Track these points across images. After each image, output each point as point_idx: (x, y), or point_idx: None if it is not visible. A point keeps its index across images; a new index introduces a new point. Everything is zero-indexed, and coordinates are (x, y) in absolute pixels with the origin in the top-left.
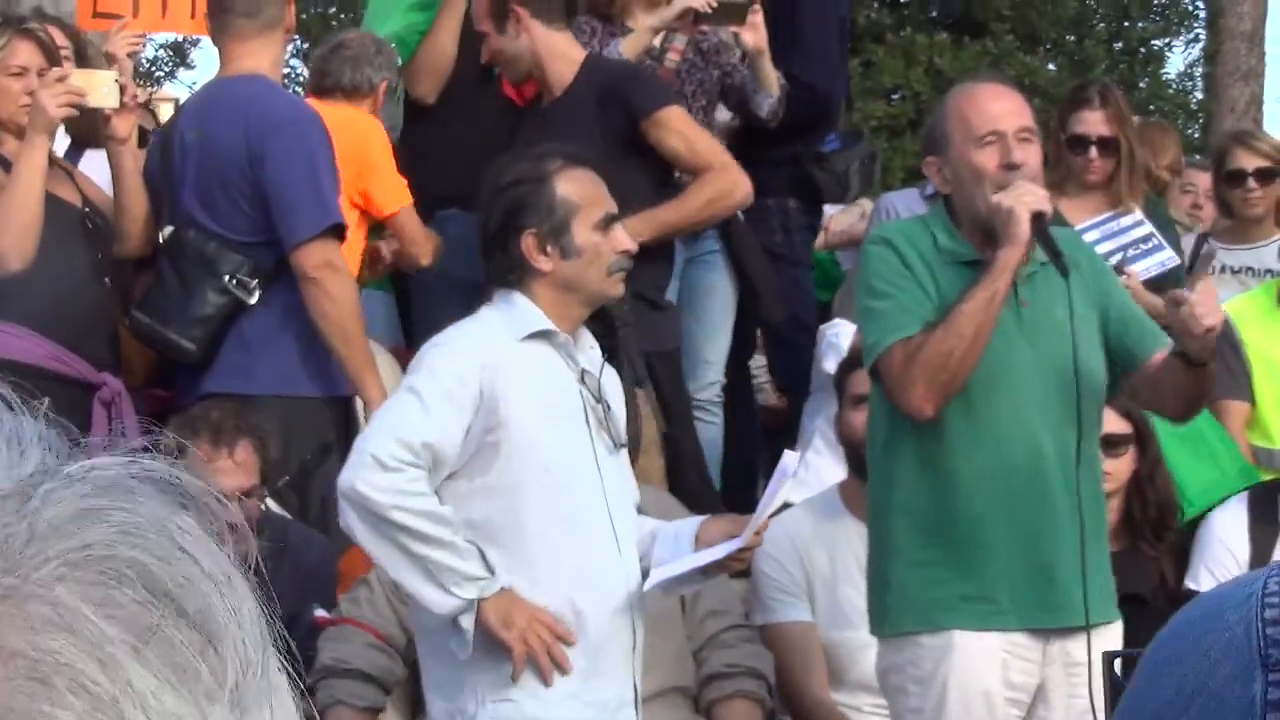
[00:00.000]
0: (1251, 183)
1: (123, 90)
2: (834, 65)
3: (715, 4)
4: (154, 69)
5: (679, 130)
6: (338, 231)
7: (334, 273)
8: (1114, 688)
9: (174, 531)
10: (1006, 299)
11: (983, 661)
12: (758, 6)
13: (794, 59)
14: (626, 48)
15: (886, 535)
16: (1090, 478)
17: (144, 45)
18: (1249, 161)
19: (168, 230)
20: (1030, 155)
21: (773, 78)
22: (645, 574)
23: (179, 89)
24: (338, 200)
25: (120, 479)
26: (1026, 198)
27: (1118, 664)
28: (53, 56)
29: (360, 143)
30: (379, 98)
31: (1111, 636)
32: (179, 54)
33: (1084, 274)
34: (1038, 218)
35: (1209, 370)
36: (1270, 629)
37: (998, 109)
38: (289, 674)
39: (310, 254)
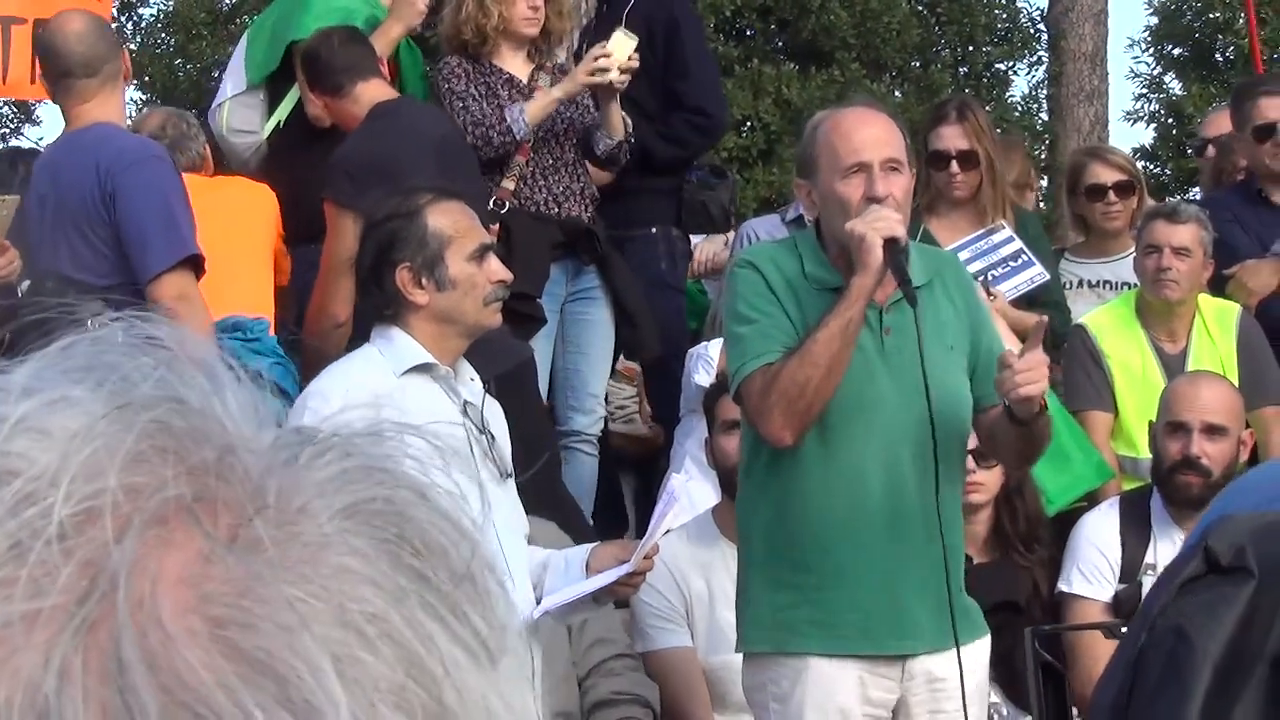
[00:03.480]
0: (1112, 196)
1: None
2: (719, 91)
3: (609, 49)
4: None
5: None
6: (193, 263)
7: (188, 305)
8: (1043, 665)
9: (431, 493)
10: (871, 327)
11: (838, 681)
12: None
13: (684, 89)
14: (531, 115)
15: (747, 556)
16: (951, 506)
17: None
18: (1107, 176)
19: (25, 285)
20: (895, 186)
21: (618, 122)
22: (539, 603)
23: (25, 145)
24: (192, 233)
25: (372, 445)
26: (879, 224)
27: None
28: None
29: (275, 217)
30: (209, 162)
31: (978, 652)
32: (24, 111)
33: (955, 304)
34: (890, 244)
35: (1035, 430)
36: None
37: (863, 138)
38: None
39: (165, 286)
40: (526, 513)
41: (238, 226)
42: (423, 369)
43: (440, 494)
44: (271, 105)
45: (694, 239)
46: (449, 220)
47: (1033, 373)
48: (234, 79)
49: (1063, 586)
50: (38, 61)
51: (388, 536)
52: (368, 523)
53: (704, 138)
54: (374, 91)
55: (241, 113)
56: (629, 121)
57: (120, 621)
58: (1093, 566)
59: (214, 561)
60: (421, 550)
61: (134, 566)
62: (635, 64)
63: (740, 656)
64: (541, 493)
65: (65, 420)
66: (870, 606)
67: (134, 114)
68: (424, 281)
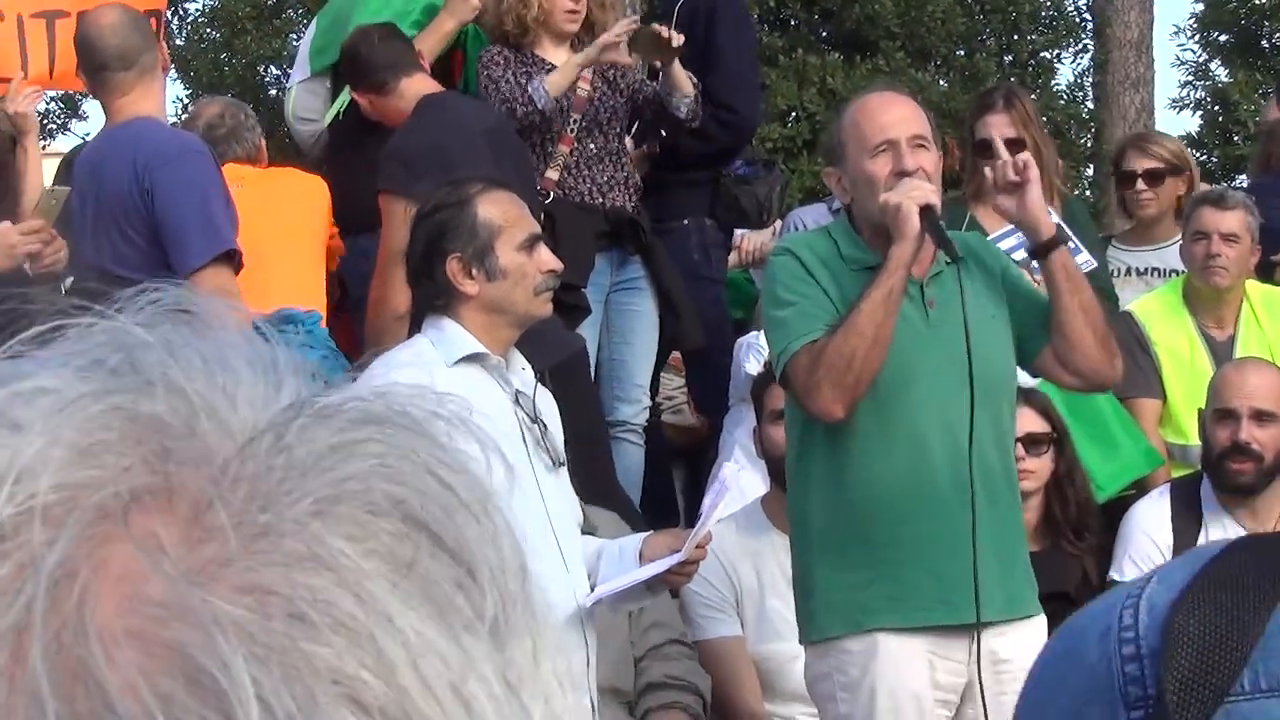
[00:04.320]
0: (1140, 184)
1: None
2: (752, 88)
3: (633, 32)
4: (46, 121)
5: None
6: (231, 258)
7: (228, 300)
8: None
9: (430, 463)
10: (914, 300)
11: (909, 663)
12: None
13: (713, 83)
14: (552, 85)
15: (806, 542)
16: (995, 473)
17: (41, 97)
18: (1140, 163)
19: (69, 280)
20: (924, 161)
21: (685, 79)
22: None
23: (72, 141)
24: (230, 228)
25: (376, 410)
26: (914, 193)
27: None
28: None
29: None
30: (264, 153)
31: (1036, 631)
32: (70, 106)
33: (990, 272)
34: (926, 211)
35: (1059, 263)
36: (1128, 666)
37: (889, 118)
38: None
39: (202, 281)
40: (585, 503)
41: (289, 218)
42: (474, 359)
43: (448, 462)
44: (335, 94)
45: (738, 230)
46: (499, 210)
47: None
48: (300, 66)
49: (1114, 575)
50: (76, 56)
51: (366, 516)
52: (347, 501)
53: (730, 134)
54: (418, 85)
55: (306, 100)
56: (693, 77)
57: (36, 629)
58: (1144, 555)
59: (156, 559)
60: (408, 526)
61: (65, 568)
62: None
63: (789, 645)
64: (595, 485)
65: (34, 413)
66: (943, 574)
67: (176, 110)
68: (474, 271)
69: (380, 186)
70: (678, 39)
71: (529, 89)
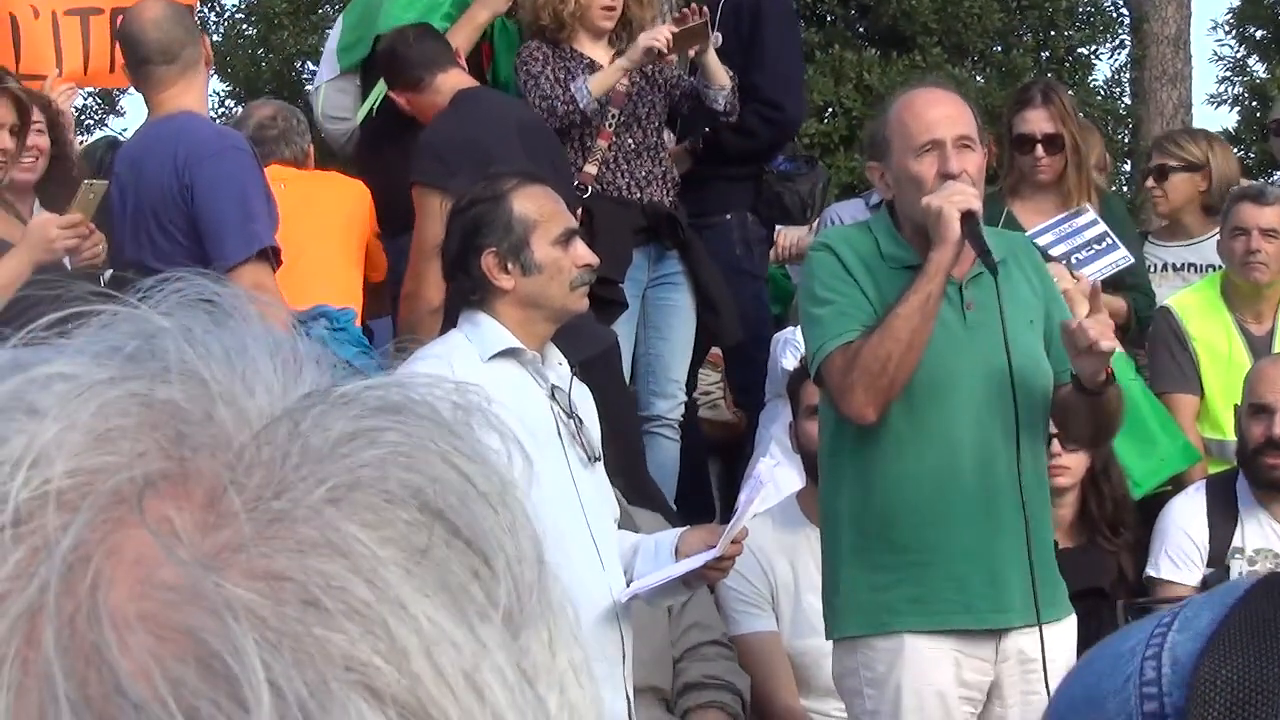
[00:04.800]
0: (1150, 181)
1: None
2: (797, 85)
3: (675, 32)
4: (83, 117)
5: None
6: (269, 255)
7: (265, 296)
8: None
9: (447, 451)
10: (953, 302)
11: (935, 662)
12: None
13: (759, 79)
14: (595, 86)
15: (835, 540)
16: (1034, 478)
17: (75, 95)
18: (1155, 160)
19: (107, 274)
20: (968, 163)
21: (720, 71)
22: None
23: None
24: (269, 225)
25: (394, 399)
26: (956, 198)
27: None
28: (26, 114)
29: (368, 212)
30: (311, 158)
31: (1066, 630)
32: (108, 102)
33: (1032, 282)
34: (968, 217)
35: (1105, 402)
36: None
37: (935, 116)
38: None
39: (240, 278)
40: (629, 504)
41: (329, 219)
42: (510, 354)
43: (465, 451)
44: (365, 92)
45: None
46: (534, 205)
47: (1102, 327)
48: (328, 64)
49: (1150, 572)
50: (120, 51)
51: (381, 503)
52: (362, 489)
53: (775, 131)
54: (454, 80)
55: (335, 98)
56: (729, 70)
57: (49, 611)
58: (1180, 551)
59: (170, 544)
60: (424, 514)
61: (79, 552)
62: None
63: (824, 641)
64: (628, 483)
65: (51, 399)
66: (968, 580)
67: (214, 105)
68: (510, 266)
69: (414, 179)
70: (700, 17)
71: (571, 89)
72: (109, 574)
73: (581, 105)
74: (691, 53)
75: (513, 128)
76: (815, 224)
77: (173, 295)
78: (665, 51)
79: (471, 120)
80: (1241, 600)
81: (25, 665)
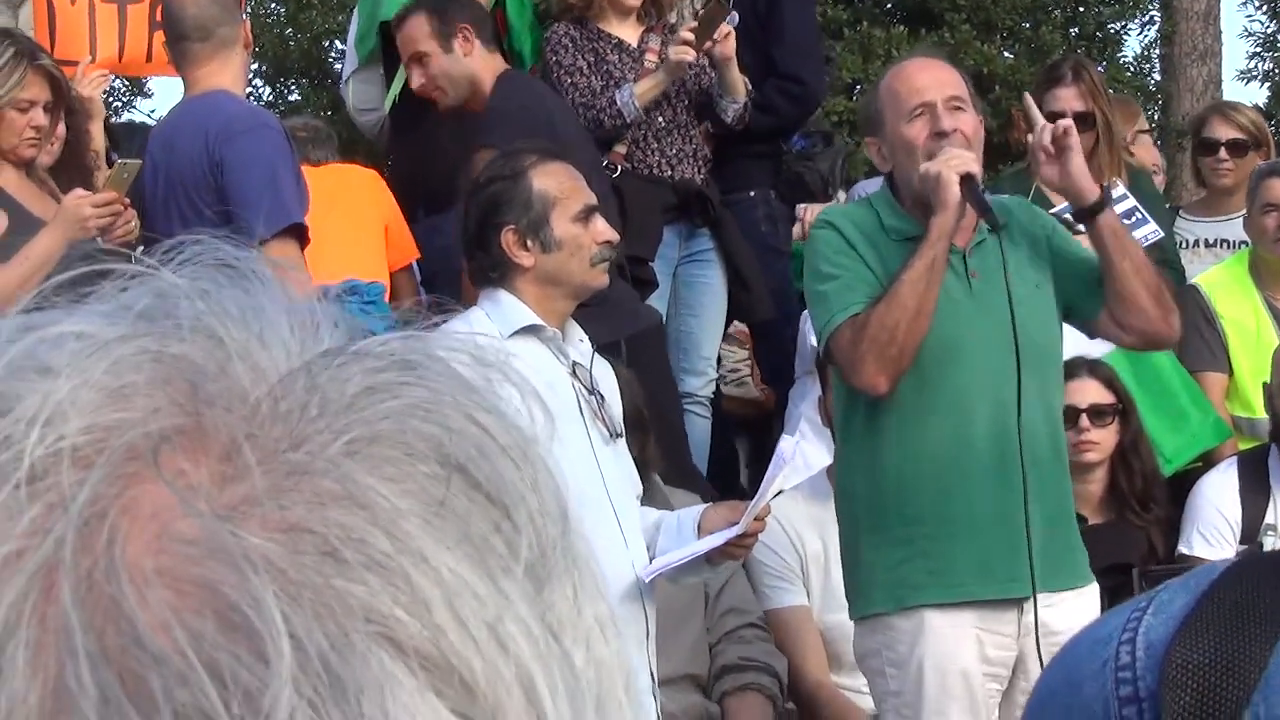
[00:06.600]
0: (1223, 153)
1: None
2: (817, 59)
3: (694, 27)
4: (111, 99)
5: None
6: (297, 232)
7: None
8: None
9: (467, 405)
10: (957, 271)
11: (957, 640)
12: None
13: (779, 54)
14: (641, 97)
15: (852, 516)
16: (1048, 444)
17: (108, 82)
18: (1223, 132)
19: (139, 251)
20: (961, 122)
21: (739, 84)
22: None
23: (137, 118)
24: (298, 202)
25: (413, 354)
26: (953, 161)
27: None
28: (61, 92)
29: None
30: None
31: (1088, 600)
32: (136, 84)
33: (1034, 238)
34: (966, 180)
35: (1107, 226)
36: (1125, 709)
37: (924, 80)
38: None
39: (267, 254)
40: (665, 483)
41: (350, 203)
42: (530, 331)
43: (486, 406)
44: (389, 79)
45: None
46: (554, 181)
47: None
48: (349, 58)
49: (1183, 549)
50: (158, 38)
51: (400, 456)
52: (381, 442)
53: (797, 106)
54: (496, 61)
55: (363, 90)
56: (748, 81)
57: (67, 566)
58: (1213, 528)
59: (187, 497)
60: (443, 468)
61: (95, 507)
62: (728, 40)
63: None
64: (670, 462)
65: (64, 357)
66: (986, 549)
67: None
68: (529, 243)
69: (483, 142)
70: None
71: (618, 102)
72: (125, 529)
73: (629, 119)
74: (719, 37)
75: (562, 107)
76: (842, 199)
77: (188, 258)
78: (697, 51)
79: (529, 92)
80: (1214, 584)
81: (43, 620)
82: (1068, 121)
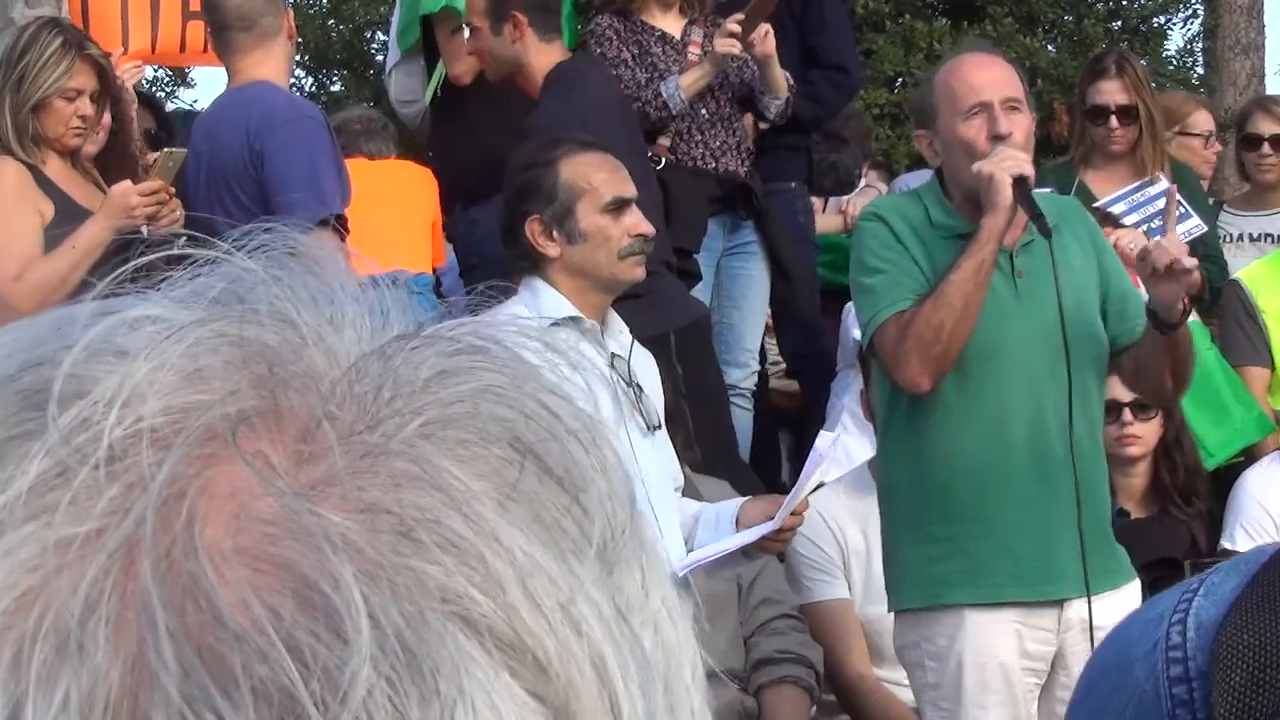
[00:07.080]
0: (1266, 148)
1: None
2: (853, 47)
3: (741, 20)
4: (154, 89)
5: None
6: (336, 224)
7: None
8: None
9: (538, 390)
10: (1003, 270)
11: (996, 634)
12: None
13: (824, 44)
14: (686, 88)
15: (892, 512)
16: (1089, 446)
17: (141, 73)
18: (1267, 127)
19: (182, 240)
20: (1017, 125)
21: (782, 81)
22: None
23: (179, 108)
24: (337, 194)
25: (483, 339)
26: (1007, 163)
27: None
28: (107, 81)
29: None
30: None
31: (1129, 596)
32: (179, 74)
33: (1084, 246)
34: (1020, 182)
35: (1181, 339)
36: (1176, 688)
37: (982, 79)
38: None
39: None
40: (703, 472)
41: (398, 198)
42: (568, 322)
43: (556, 390)
44: (430, 71)
45: (842, 198)
46: (584, 172)
47: (1181, 247)
48: (392, 51)
49: (1225, 544)
50: (191, 31)
51: (474, 439)
52: (455, 425)
53: (842, 95)
54: (555, 54)
55: (404, 82)
56: (790, 77)
57: (146, 544)
58: (1256, 523)
59: (265, 478)
60: (516, 451)
61: (174, 487)
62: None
63: None
64: (716, 453)
65: (140, 340)
66: (1022, 551)
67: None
68: (554, 234)
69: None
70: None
71: (663, 94)
72: (204, 509)
73: (674, 111)
74: (762, 34)
75: (615, 105)
76: (883, 191)
77: (260, 244)
78: (742, 43)
79: (584, 97)
80: (1265, 567)
81: (124, 597)
82: (1188, 260)
